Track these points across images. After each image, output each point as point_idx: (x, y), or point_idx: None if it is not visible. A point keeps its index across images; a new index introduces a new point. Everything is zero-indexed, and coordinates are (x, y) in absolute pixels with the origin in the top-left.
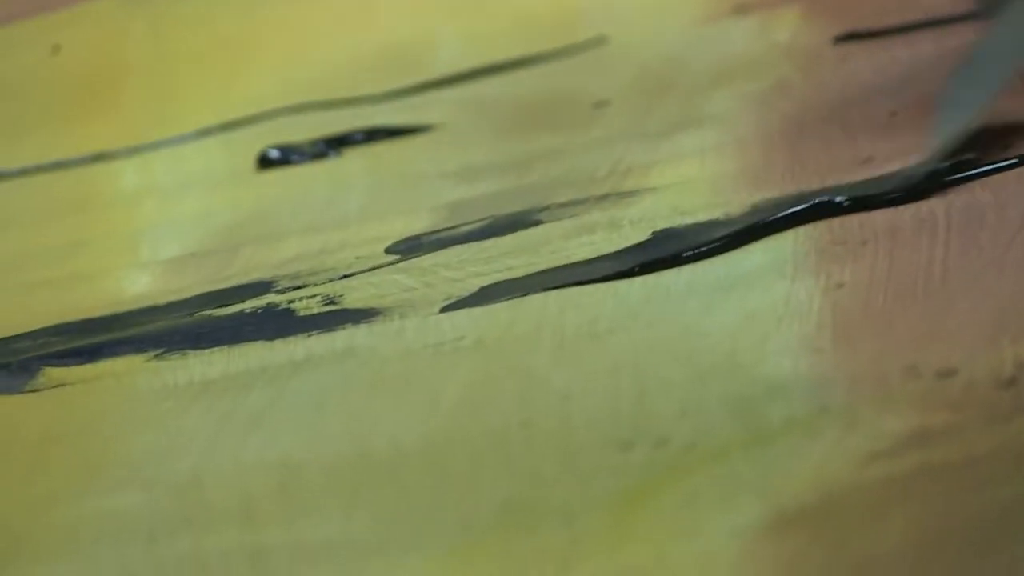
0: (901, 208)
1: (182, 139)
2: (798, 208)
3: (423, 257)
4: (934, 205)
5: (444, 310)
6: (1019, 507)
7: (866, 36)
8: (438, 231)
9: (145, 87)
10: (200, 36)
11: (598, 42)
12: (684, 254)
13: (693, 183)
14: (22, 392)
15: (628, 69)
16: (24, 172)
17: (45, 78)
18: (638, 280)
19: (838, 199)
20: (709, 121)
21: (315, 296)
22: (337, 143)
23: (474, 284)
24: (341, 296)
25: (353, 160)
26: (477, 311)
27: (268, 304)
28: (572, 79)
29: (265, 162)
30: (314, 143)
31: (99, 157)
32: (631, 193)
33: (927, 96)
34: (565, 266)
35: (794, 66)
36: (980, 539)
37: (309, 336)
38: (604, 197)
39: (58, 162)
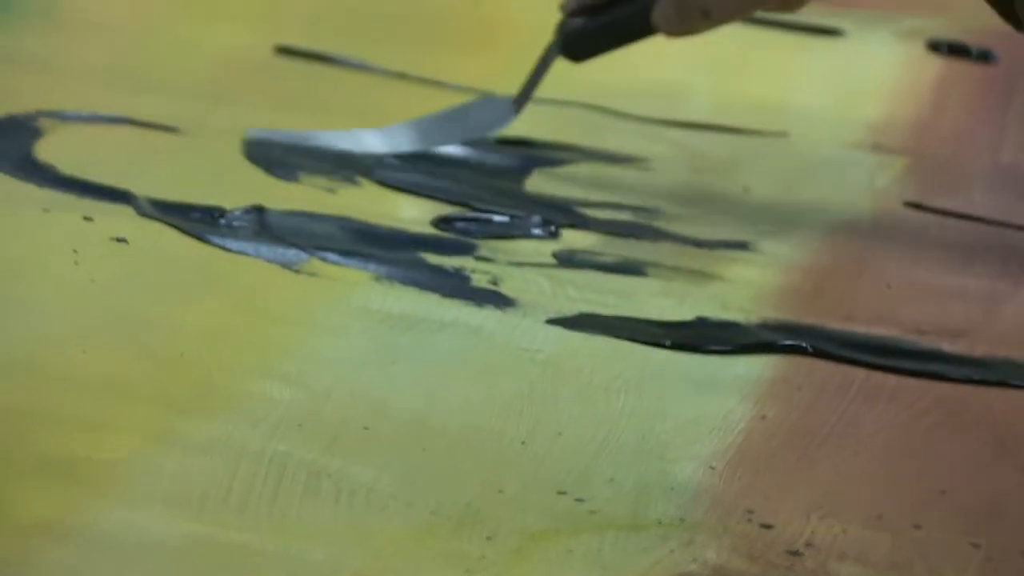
0: (838, 366)
1: None
2: (778, 342)
3: (567, 271)
4: (857, 374)
5: (549, 321)
6: None
7: (929, 210)
8: (591, 252)
9: None
10: None
11: (779, 135)
12: (700, 346)
13: (745, 284)
14: (289, 269)
15: (774, 167)
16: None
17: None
18: (664, 354)
19: (804, 344)
20: (793, 234)
21: (489, 273)
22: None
23: (579, 307)
24: (503, 280)
25: (586, 167)
26: (563, 333)
27: (461, 266)
28: (744, 157)
29: None
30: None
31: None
32: (710, 276)
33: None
34: (636, 320)
35: (871, 214)
36: None
37: (464, 304)
38: (694, 271)
39: None
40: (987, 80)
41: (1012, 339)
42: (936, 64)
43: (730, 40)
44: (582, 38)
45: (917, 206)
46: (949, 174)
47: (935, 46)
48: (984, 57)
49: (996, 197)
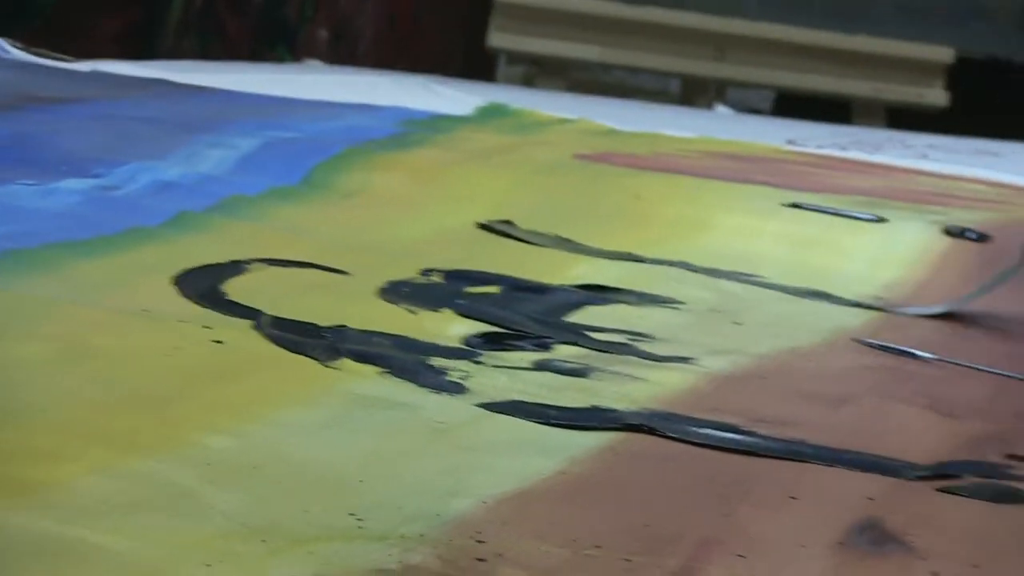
0: (658, 440)
1: None
2: (624, 421)
3: (532, 372)
4: (673, 447)
5: (477, 404)
6: None
7: (864, 344)
8: (563, 361)
9: None
10: None
11: (814, 294)
12: (567, 424)
13: (658, 385)
14: (322, 364)
15: (779, 313)
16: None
17: None
18: (543, 429)
19: (643, 423)
20: (739, 355)
21: (466, 372)
22: None
23: (513, 396)
24: (472, 376)
25: (626, 307)
26: (476, 411)
27: (447, 366)
28: (763, 305)
29: None
30: None
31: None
32: (637, 379)
33: None
34: (545, 406)
35: (815, 348)
36: None
37: (426, 391)
38: (627, 376)
39: None
40: (980, 255)
41: (820, 427)
42: (946, 243)
43: (809, 223)
44: None
45: (858, 341)
46: (903, 321)
47: (949, 231)
48: (982, 239)
49: (930, 338)
